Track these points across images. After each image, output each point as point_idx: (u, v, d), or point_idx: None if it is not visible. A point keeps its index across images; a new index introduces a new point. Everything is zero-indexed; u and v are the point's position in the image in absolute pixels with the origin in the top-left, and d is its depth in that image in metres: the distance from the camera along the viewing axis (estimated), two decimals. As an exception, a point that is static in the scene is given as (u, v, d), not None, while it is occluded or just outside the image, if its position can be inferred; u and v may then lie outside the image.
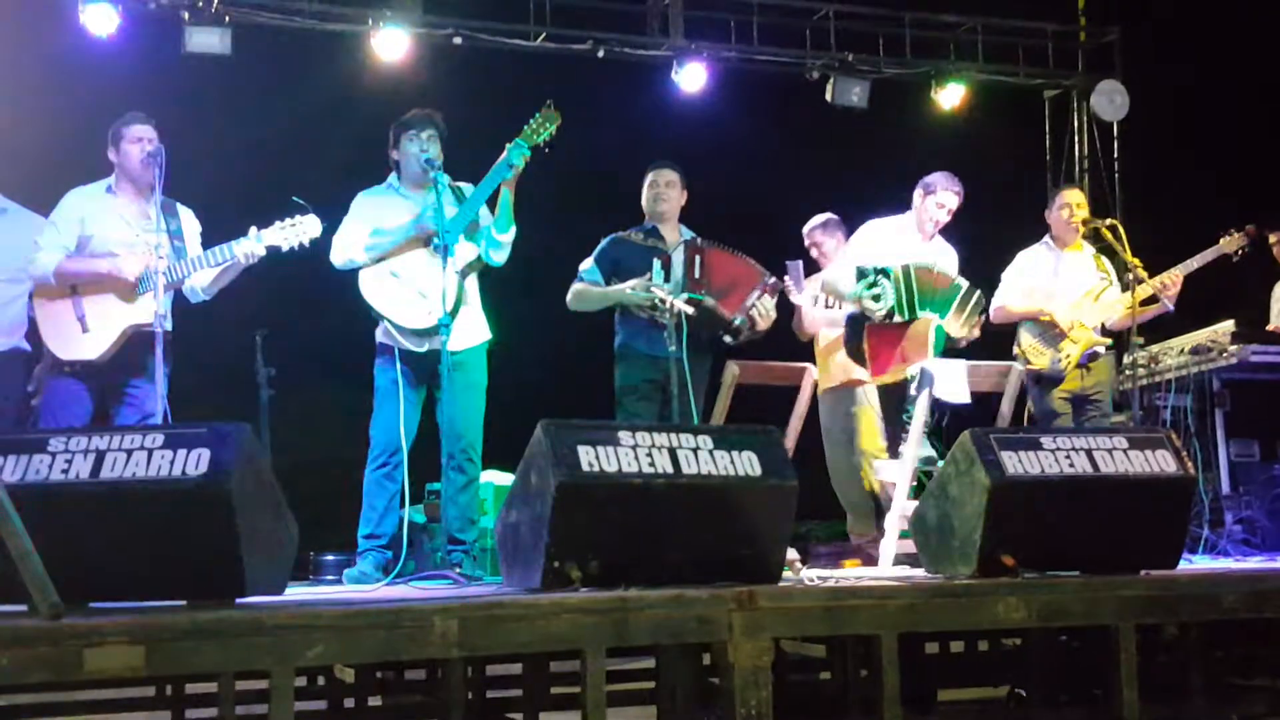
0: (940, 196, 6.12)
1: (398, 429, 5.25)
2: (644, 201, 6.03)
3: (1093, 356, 6.31)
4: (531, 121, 5.35)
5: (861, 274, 5.95)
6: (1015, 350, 6.38)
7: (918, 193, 6.18)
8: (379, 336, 5.42)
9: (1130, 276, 5.99)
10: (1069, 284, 6.42)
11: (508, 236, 5.42)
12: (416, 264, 5.30)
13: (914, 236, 6.17)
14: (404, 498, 5.33)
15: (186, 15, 7.55)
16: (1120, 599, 3.90)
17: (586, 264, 5.95)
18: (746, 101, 8.87)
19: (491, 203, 5.40)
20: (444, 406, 5.21)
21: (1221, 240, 6.42)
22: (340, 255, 5.37)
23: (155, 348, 4.90)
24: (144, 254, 5.12)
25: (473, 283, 5.46)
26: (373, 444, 5.36)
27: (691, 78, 8.48)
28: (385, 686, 4.91)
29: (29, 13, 7.39)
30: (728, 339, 5.72)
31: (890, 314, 5.83)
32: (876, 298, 5.86)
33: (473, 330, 5.39)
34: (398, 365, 5.29)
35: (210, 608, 3.26)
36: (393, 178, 5.55)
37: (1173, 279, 6.23)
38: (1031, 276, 6.50)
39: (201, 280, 5.34)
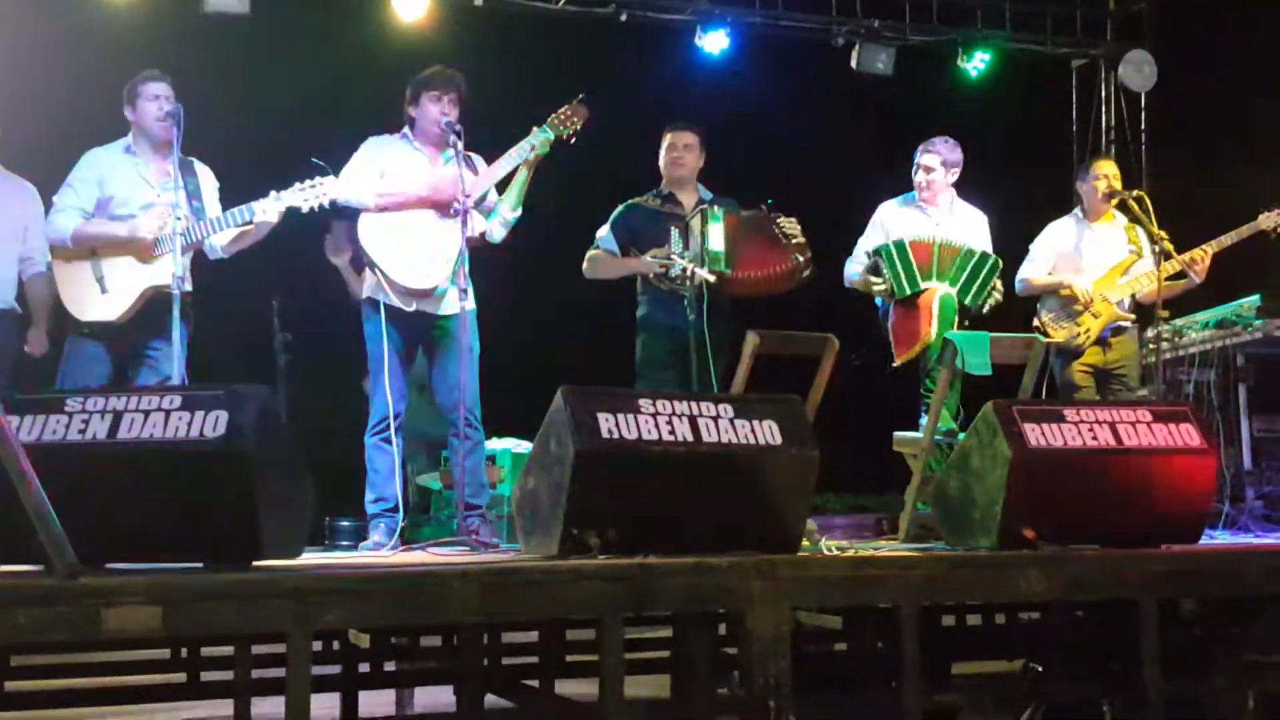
0: (919, 159, 6.21)
1: (392, 392, 5.22)
2: (661, 164, 5.97)
3: (1116, 331, 6.26)
4: (560, 111, 5.31)
5: (868, 256, 6.05)
6: (1035, 323, 6.34)
7: (913, 168, 6.26)
8: (366, 290, 5.37)
9: (1157, 249, 5.93)
10: (1095, 257, 6.37)
11: (515, 215, 5.41)
12: (424, 225, 5.27)
13: (926, 208, 6.16)
14: (399, 460, 5.32)
15: (207, -26, 7.51)
16: (1143, 573, 3.88)
17: (602, 231, 5.91)
18: (770, 67, 8.81)
19: (504, 180, 5.37)
20: (442, 373, 5.19)
21: (1260, 217, 6.30)
22: (345, 191, 5.27)
23: (173, 309, 4.88)
24: (162, 214, 5.10)
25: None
26: (371, 410, 5.34)
27: (715, 42, 8.41)
28: (400, 652, 4.91)
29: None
30: (805, 275, 5.64)
31: (892, 291, 5.81)
32: (876, 275, 5.88)
33: (463, 297, 5.35)
34: (383, 325, 5.24)
35: (227, 570, 3.25)
36: (406, 129, 5.49)
37: (1203, 254, 6.15)
38: (1058, 249, 6.46)
39: (220, 239, 5.32)
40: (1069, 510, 4.10)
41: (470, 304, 5.24)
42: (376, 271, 5.28)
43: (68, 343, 5.24)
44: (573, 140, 5.37)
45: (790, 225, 5.65)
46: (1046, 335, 6.21)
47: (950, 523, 4.37)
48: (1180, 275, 6.19)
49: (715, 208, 5.68)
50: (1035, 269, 6.45)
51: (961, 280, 5.82)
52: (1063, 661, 4.61)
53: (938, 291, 5.77)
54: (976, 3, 9.05)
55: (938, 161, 6.16)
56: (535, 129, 5.32)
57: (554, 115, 5.34)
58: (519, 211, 5.41)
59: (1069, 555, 3.93)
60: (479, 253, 5.40)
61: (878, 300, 6.11)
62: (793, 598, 3.51)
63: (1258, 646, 4.65)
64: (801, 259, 5.61)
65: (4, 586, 2.85)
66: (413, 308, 5.27)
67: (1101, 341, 6.25)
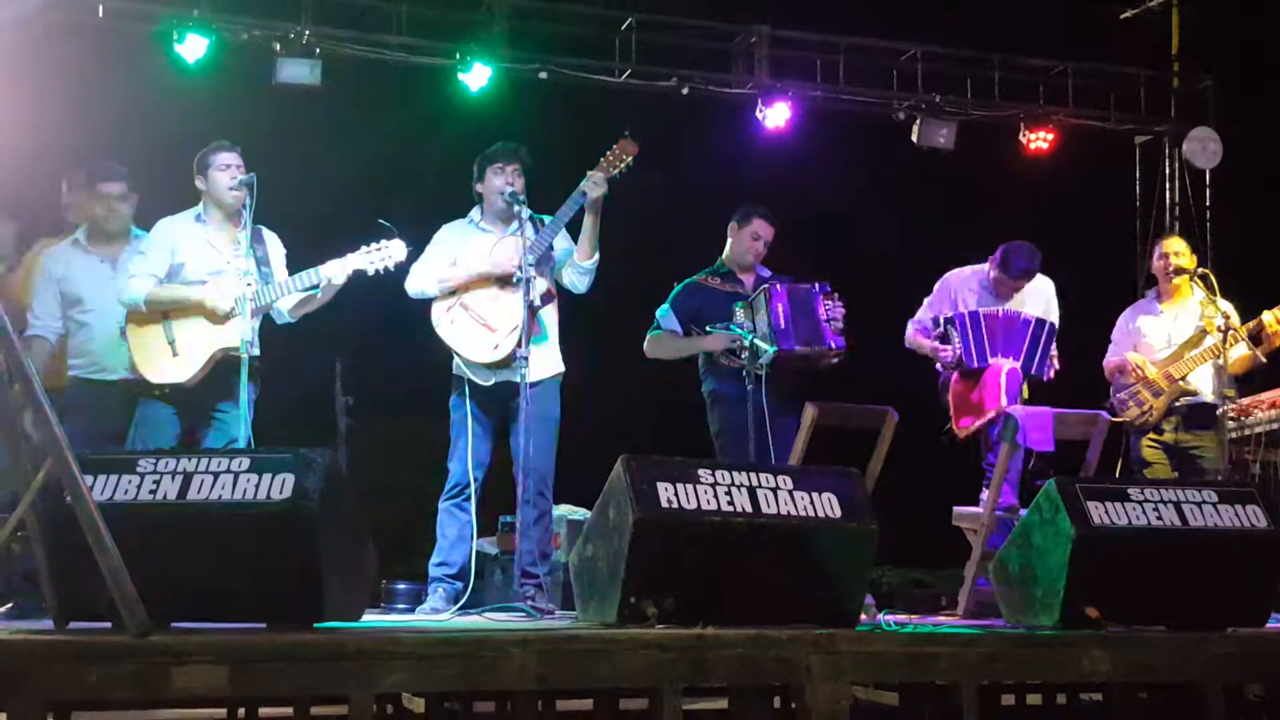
0: (1003, 276, 6.09)
1: (468, 462, 5.28)
2: (738, 248, 5.99)
3: (1192, 409, 6.19)
4: (609, 153, 5.38)
5: (935, 323, 6.05)
6: (1107, 402, 6.30)
7: (991, 260, 6.18)
8: (454, 369, 5.46)
9: (1220, 326, 5.88)
10: (1162, 337, 6.34)
11: (590, 263, 5.42)
12: (485, 297, 5.35)
13: (993, 290, 6.15)
14: (474, 529, 5.34)
15: (278, 46, 7.68)
16: (1208, 656, 3.81)
17: (663, 310, 5.95)
18: (831, 141, 8.85)
19: (574, 231, 5.43)
20: (519, 439, 5.23)
21: None
22: (414, 284, 5.43)
23: (241, 371, 4.96)
24: (233, 282, 5.20)
25: (551, 315, 5.47)
26: (449, 475, 5.39)
27: (776, 116, 8.47)
28: (454, 718, 4.90)
29: (122, 44, 7.56)
30: (834, 361, 5.69)
31: (959, 361, 5.80)
32: (945, 343, 5.89)
33: (544, 363, 5.38)
34: (467, 398, 5.33)
35: (290, 631, 3.28)
36: (475, 212, 5.59)
37: (1274, 320, 6.07)
38: (1131, 331, 6.46)
39: (287, 303, 5.41)
40: (1133, 590, 4.05)
41: (551, 370, 5.32)
42: (455, 354, 5.36)
43: (139, 404, 5.32)
44: (620, 175, 5.38)
45: (834, 308, 5.69)
46: (1115, 414, 6.16)
47: (1011, 600, 4.32)
48: (1244, 349, 6.13)
49: (778, 285, 5.72)
50: (1115, 352, 6.49)
51: (1024, 352, 5.81)
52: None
53: (1004, 366, 5.75)
54: (1039, 78, 9.07)
55: (1025, 283, 6.10)
56: (588, 173, 5.37)
57: (603, 158, 5.39)
58: (596, 257, 5.42)
59: (1133, 636, 3.87)
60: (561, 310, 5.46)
61: (939, 370, 6.09)
62: (851, 672, 3.49)
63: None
64: (833, 345, 5.65)
65: (77, 643, 2.90)
66: (491, 381, 5.33)
67: (1173, 418, 6.19)
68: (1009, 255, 6.06)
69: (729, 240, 6.07)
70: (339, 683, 2.98)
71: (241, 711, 4.61)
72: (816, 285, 5.74)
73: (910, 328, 6.26)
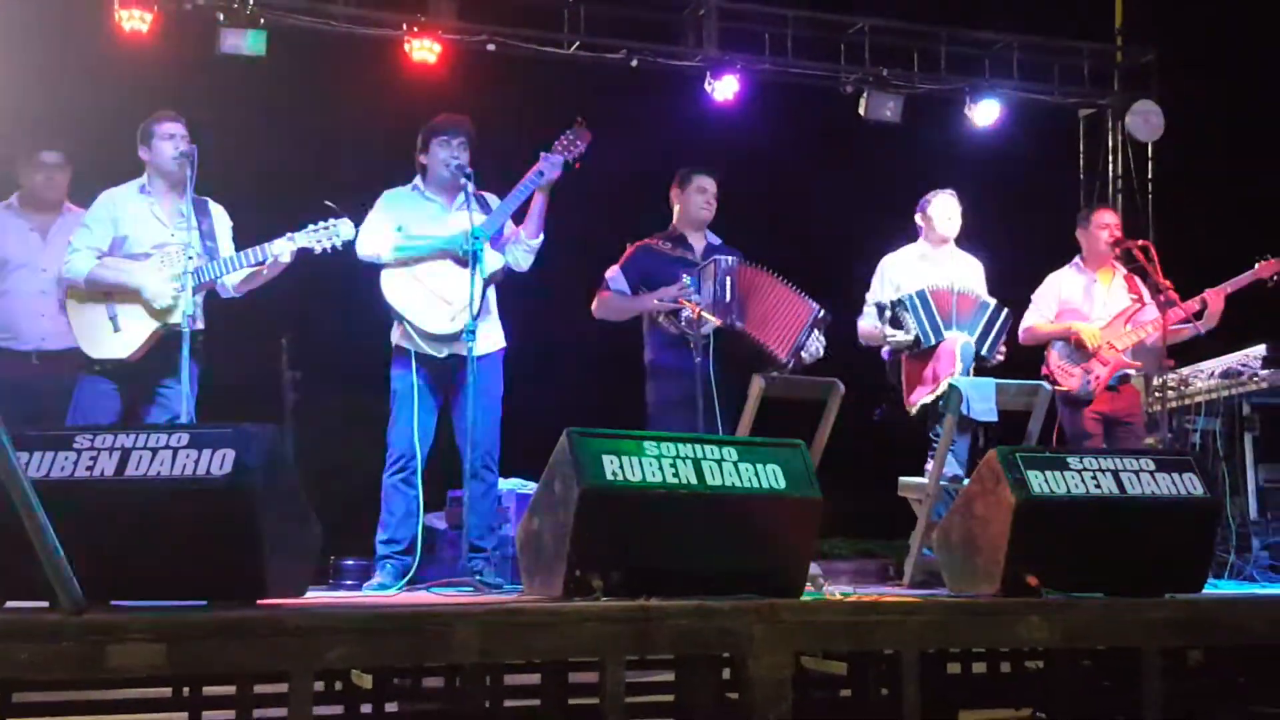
0: (936, 202, 6.25)
1: (414, 435, 5.26)
2: (689, 207, 5.99)
3: (1123, 379, 6.27)
4: (564, 137, 5.36)
5: (880, 310, 6.04)
6: (1044, 371, 6.34)
7: (918, 215, 6.32)
8: (395, 339, 5.41)
9: (1162, 298, 5.94)
10: (1099, 305, 6.39)
11: (537, 243, 5.43)
12: (441, 270, 5.31)
13: (932, 255, 6.19)
14: (420, 504, 5.32)
15: (222, 16, 7.58)
16: (1146, 621, 3.87)
17: (613, 272, 5.93)
18: (779, 113, 8.85)
19: (519, 211, 5.41)
20: (463, 414, 5.21)
21: (1258, 265, 6.37)
22: (367, 248, 5.34)
23: (183, 347, 4.91)
24: (177, 256, 5.13)
25: (491, 291, 5.46)
26: (390, 449, 5.35)
27: (725, 89, 8.47)
28: (402, 694, 4.90)
29: (63, 12, 7.43)
30: (774, 374, 5.69)
31: (917, 342, 5.83)
32: (898, 327, 5.89)
33: (490, 338, 5.38)
34: (414, 369, 5.30)
35: (231, 608, 3.26)
36: (418, 180, 5.54)
37: (1212, 299, 6.18)
38: (1061, 297, 6.48)
39: (233, 279, 5.36)
40: (1072, 558, 4.10)
41: (495, 344, 5.28)
42: (404, 323, 5.32)
43: (79, 380, 5.26)
44: (578, 166, 5.40)
45: (817, 339, 5.68)
46: (1055, 383, 6.21)
47: (953, 569, 4.36)
48: (1184, 322, 6.20)
49: (729, 258, 5.71)
50: (1039, 317, 6.47)
51: (979, 330, 5.85)
52: (1069, 710, 4.60)
53: (959, 339, 5.78)
54: (984, 52, 9.11)
55: (955, 204, 6.20)
56: (542, 155, 5.35)
57: (558, 141, 5.38)
58: (540, 238, 5.42)
59: (1070, 603, 3.92)
60: (502, 286, 5.43)
61: (884, 351, 6.11)
62: (794, 641, 3.52)
63: (1265, 697, 4.63)
64: (782, 358, 5.62)
65: (9, 621, 2.87)
66: (444, 353, 5.30)
67: (1109, 389, 6.26)
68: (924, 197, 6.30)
69: (675, 207, 6.07)
70: (279, 659, 2.97)
71: (186, 690, 4.61)
72: (821, 311, 5.69)
73: (860, 323, 6.26)
